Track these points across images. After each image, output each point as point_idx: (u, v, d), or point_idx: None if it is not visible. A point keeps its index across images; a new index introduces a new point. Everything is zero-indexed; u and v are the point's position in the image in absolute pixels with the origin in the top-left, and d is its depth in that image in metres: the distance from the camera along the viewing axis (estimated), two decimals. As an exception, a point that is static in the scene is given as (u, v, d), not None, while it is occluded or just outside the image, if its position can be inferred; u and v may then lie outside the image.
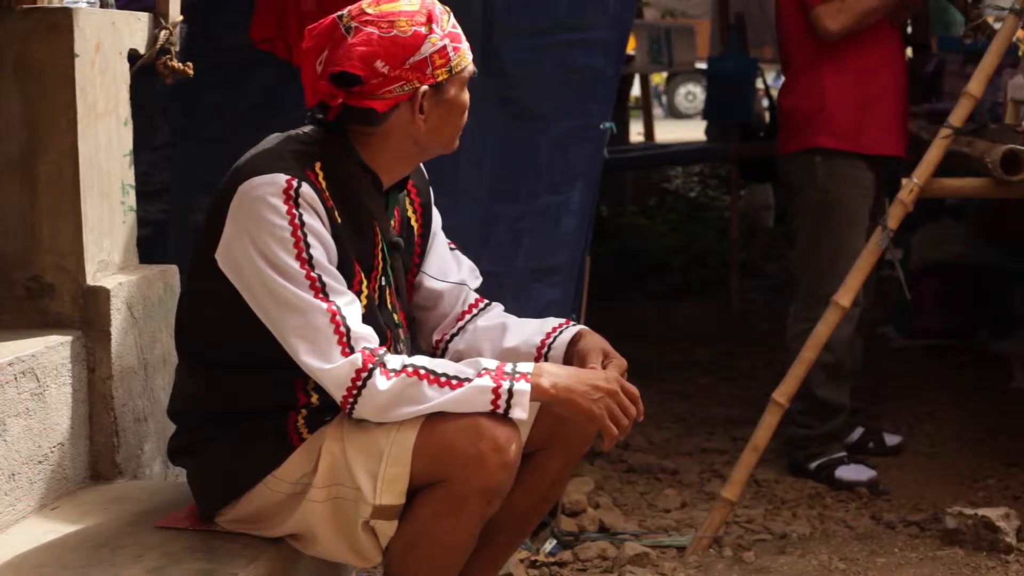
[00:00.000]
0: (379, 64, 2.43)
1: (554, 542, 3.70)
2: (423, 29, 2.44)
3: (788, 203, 4.51)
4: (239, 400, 2.49)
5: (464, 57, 2.50)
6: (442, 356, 2.70)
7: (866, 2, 4.15)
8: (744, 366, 5.85)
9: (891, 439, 4.54)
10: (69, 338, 2.86)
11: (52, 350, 2.79)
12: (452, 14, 2.51)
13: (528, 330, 2.68)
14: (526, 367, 2.42)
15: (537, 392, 2.40)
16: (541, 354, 2.64)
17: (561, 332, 2.66)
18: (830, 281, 4.00)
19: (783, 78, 4.56)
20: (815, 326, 3.85)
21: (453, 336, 2.72)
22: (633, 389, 2.48)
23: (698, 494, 4.23)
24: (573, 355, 2.61)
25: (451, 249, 2.78)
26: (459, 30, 2.50)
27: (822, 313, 3.90)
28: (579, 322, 3.72)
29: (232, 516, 2.56)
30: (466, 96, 2.53)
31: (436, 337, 2.74)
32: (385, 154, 2.52)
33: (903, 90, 4.34)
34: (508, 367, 2.41)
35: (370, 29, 2.43)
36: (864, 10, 4.15)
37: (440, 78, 2.46)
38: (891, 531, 3.85)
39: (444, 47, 2.45)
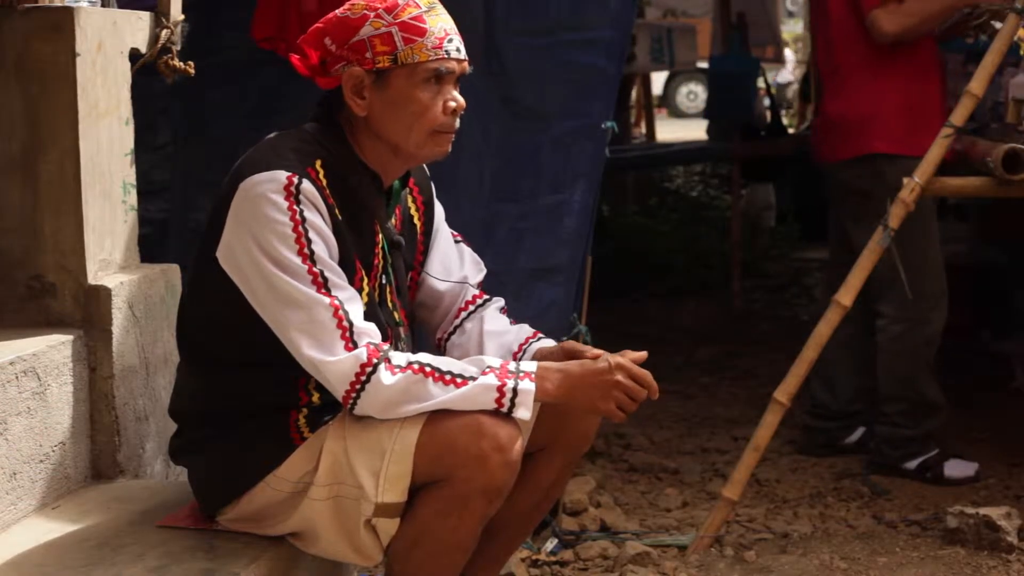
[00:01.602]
0: (327, 41, 2.48)
1: (555, 541, 3.70)
2: (371, 13, 2.44)
3: (841, 207, 4.41)
4: (240, 399, 2.49)
5: (420, 51, 2.43)
6: (443, 355, 2.70)
7: (928, 6, 4.13)
8: (745, 366, 5.85)
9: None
10: (70, 337, 2.86)
11: (53, 349, 2.79)
12: (436, 11, 2.48)
13: (503, 346, 2.67)
14: (530, 366, 2.43)
15: (540, 393, 2.41)
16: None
17: (530, 344, 2.66)
18: (928, 278, 4.09)
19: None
20: (914, 326, 4.14)
21: (450, 335, 2.73)
22: (640, 372, 2.47)
23: (699, 493, 4.23)
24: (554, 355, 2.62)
25: (456, 242, 2.77)
26: (429, 25, 2.45)
27: (922, 311, 4.14)
28: (580, 322, 3.74)
29: (233, 515, 2.56)
30: (424, 94, 2.45)
31: (438, 336, 2.75)
32: (369, 149, 2.52)
33: (944, 94, 4.31)
34: (512, 365, 2.41)
35: (338, 10, 2.49)
36: (924, 15, 4.13)
37: (381, 64, 2.44)
38: (892, 530, 3.85)
39: (388, 34, 2.43)
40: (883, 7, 4.12)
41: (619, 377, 2.45)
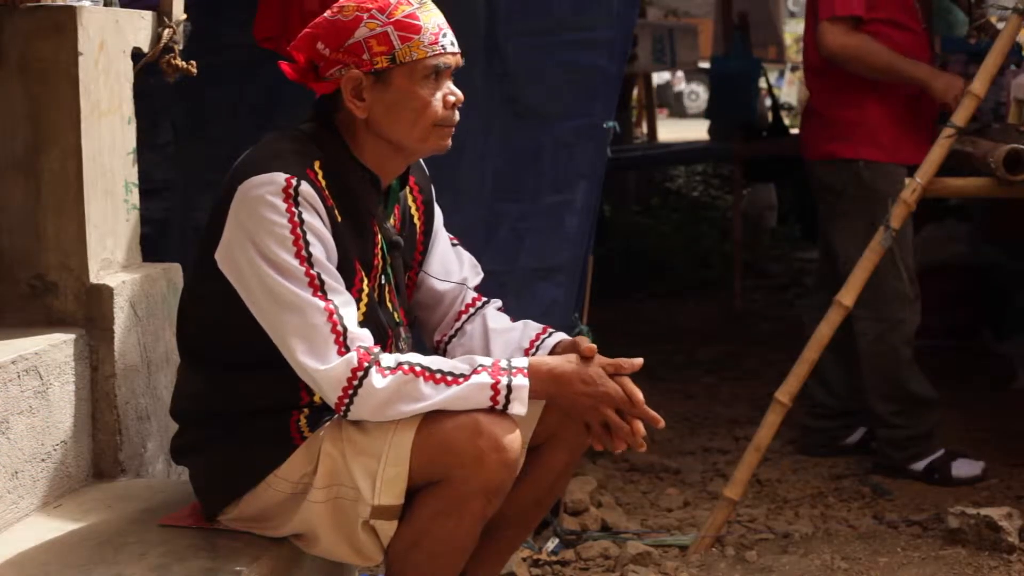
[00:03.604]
0: (320, 46, 2.47)
1: (556, 541, 3.70)
2: (364, 14, 2.44)
3: (819, 204, 4.39)
4: (241, 399, 2.49)
5: (417, 48, 2.43)
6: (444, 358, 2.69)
7: (876, 56, 4.07)
8: (747, 365, 5.85)
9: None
10: (72, 336, 2.86)
11: (55, 348, 2.79)
12: (427, 6, 2.48)
13: (510, 343, 2.68)
14: (521, 362, 2.42)
15: (531, 391, 2.40)
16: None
17: (542, 342, 2.66)
18: (896, 277, 4.08)
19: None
20: (891, 326, 4.14)
21: (451, 338, 2.72)
22: (623, 400, 2.45)
23: (700, 493, 4.23)
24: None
25: (453, 245, 2.77)
26: (423, 21, 2.45)
27: (894, 311, 4.14)
28: (581, 321, 3.74)
29: (235, 515, 2.56)
30: (424, 91, 2.45)
31: (437, 338, 2.74)
32: (368, 150, 2.51)
33: (933, 100, 4.29)
34: (503, 362, 2.41)
35: (326, 13, 2.48)
36: (869, 59, 4.08)
37: (380, 65, 2.44)
38: (893, 531, 3.85)
39: (384, 33, 2.43)
40: (832, 21, 4.08)
41: (600, 407, 2.44)
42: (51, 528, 2.63)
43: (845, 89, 4.24)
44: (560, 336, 2.67)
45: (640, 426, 2.46)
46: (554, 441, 2.61)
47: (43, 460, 2.75)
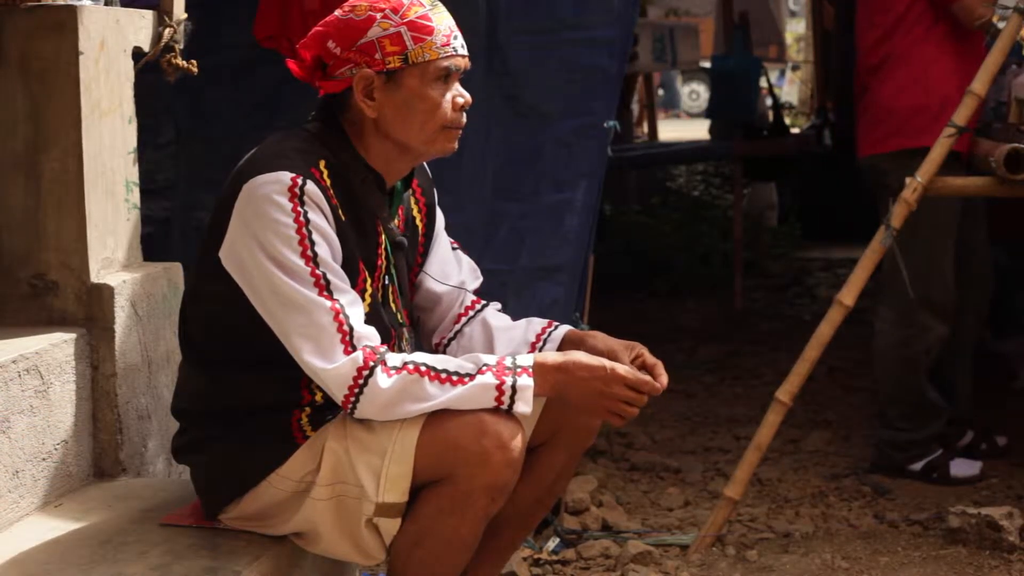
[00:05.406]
0: (331, 44, 2.47)
1: (557, 540, 3.70)
2: (378, 14, 2.44)
3: (879, 204, 4.21)
4: (242, 398, 2.49)
5: (430, 50, 2.44)
6: None
7: None
8: (747, 365, 5.85)
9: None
10: (73, 335, 2.86)
11: (56, 347, 2.79)
12: (439, 8, 2.49)
13: (515, 339, 2.68)
14: (526, 360, 2.42)
15: (538, 388, 2.41)
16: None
17: (548, 335, 2.66)
18: (933, 286, 4.05)
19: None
20: (913, 335, 4.10)
21: (450, 340, 2.73)
22: (637, 379, 2.46)
23: (701, 492, 4.23)
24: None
25: (453, 248, 2.78)
26: (436, 23, 2.45)
27: (922, 319, 4.08)
28: (582, 320, 3.74)
29: (236, 514, 2.56)
30: (435, 92, 2.46)
31: (435, 340, 2.75)
32: (374, 150, 2.52)
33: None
34: (508, 361, 2.41)
35: (337, 12, 2.48)
36: None
37: (392, 65, 2.44)
38: (894, 530, 3.85)
39: (397, 33, 2.43)
40: None
41: (614, 389, 2.44)
42: (52, 527, 2.63)
43: (906, 73, 4.16)
44: (566, 328, 2.68)
45: (647, 381, 2.49)
46: (554, 441, 2.61)
47: (44, 459, 2.75)
